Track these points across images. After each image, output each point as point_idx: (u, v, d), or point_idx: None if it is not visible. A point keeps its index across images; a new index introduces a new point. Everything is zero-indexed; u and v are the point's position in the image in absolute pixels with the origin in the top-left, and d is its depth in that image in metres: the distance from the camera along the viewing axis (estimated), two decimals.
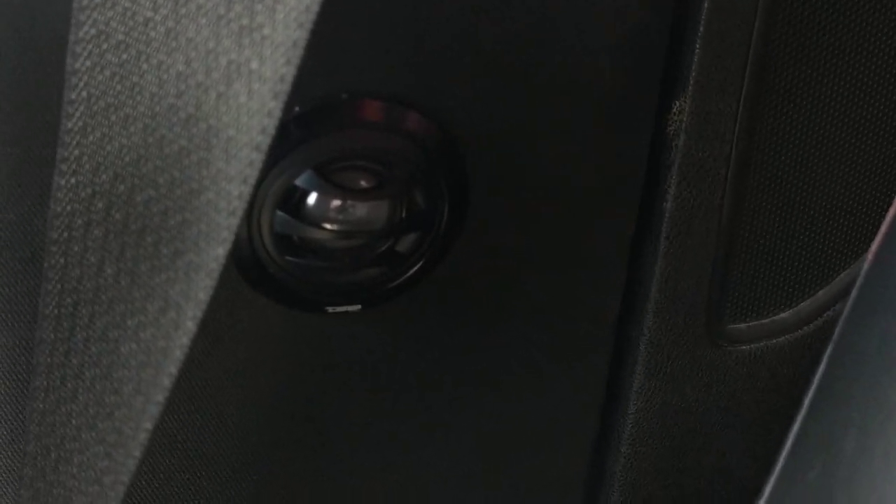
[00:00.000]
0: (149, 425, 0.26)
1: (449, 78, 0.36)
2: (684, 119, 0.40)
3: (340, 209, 0.36)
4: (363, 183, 0.36)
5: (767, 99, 0.40)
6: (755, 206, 0.43)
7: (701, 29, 0.38)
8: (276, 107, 0.23)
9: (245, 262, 0.37)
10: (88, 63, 0.26)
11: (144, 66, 0.25)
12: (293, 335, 0.39)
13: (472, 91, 0.36)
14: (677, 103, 0.40)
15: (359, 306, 0.39)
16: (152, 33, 0.25)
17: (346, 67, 0.34)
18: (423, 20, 0.35)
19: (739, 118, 0.40)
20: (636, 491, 0.48)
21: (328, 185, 0.35)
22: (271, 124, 0.23)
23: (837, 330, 0.27)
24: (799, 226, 0.44)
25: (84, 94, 0.26)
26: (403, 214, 0.37)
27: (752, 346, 0.46)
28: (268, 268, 0.37)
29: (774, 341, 0.46)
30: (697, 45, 0.38)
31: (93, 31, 0.25)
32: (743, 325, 0.46)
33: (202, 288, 0.25)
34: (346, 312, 0.39)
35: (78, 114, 0.26)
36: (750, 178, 0.42)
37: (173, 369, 0.25)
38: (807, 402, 0.26)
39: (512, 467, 0.46)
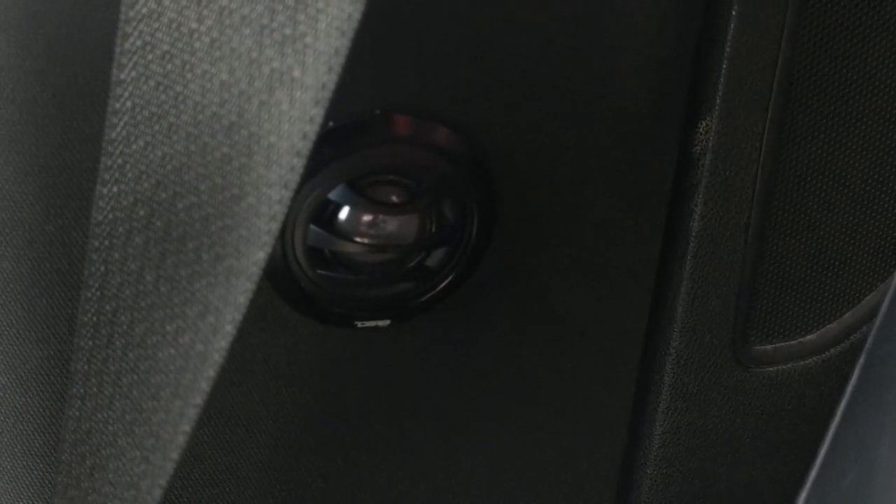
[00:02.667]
0: (187, 428, 0.27)
1: (479, 95, 0.36)
2: (711, 138, 0.40)
3: (372, 223, 0.36)
4: (394, 198, 0.37)
5: (794, 118, 0.41)
6: (782, 227, 0.43)
7: (727, 48, 0.38)
8: (317, 114, 0.24)
9: (278, 276, 0.37)
10: (134, 73, 0.26)
11: (189, 76, 0.26)
12: (323, 350, 0.40)
13: (502, 108, 0.37)
14: (703, 123, 0.40)
15: (388, 321, 0.39)
16: (197, 44, 0.25)
17: (379, 84, 0.35)
18: (454, 39, 0.35)
19: (766, 137, 0.40)
20: None
21: (361, 199, 0.36)
22: (312, 130, 0.24)
23: (870, 338, 0.27)
24: (825, 247, 0.44)
25: (129, 103, 0.27)
26: (433, 229, 0.38)
27: (778, 367, 0.46)
28: (300, 282, 0.37)
29: (801, 363, 0.46)
30: (724, 65, 0.38)
31: (139, 43, 0.26)
32: (769, 347, 0.45)
33: (242, 292, 0.25)
34: (376, 327, 0.39)
35: (122, 123, 0.27)
36: (776, 197, 0.42)
37: (212, 372, 0.26)
38: (840, 410, 0.26)
39: (539, 485, 0.46)
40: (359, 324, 0.39)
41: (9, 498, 0.40)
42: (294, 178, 0.24)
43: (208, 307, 0.26)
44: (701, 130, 0.40)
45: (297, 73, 0.24)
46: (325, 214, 0.36)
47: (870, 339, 0.28)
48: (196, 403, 0.26)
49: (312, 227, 0.36)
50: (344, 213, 0.36)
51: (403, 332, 0.40)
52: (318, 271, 0.37)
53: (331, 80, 0.24)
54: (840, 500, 0.24)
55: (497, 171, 0.38)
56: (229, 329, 0.25)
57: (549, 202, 0.40)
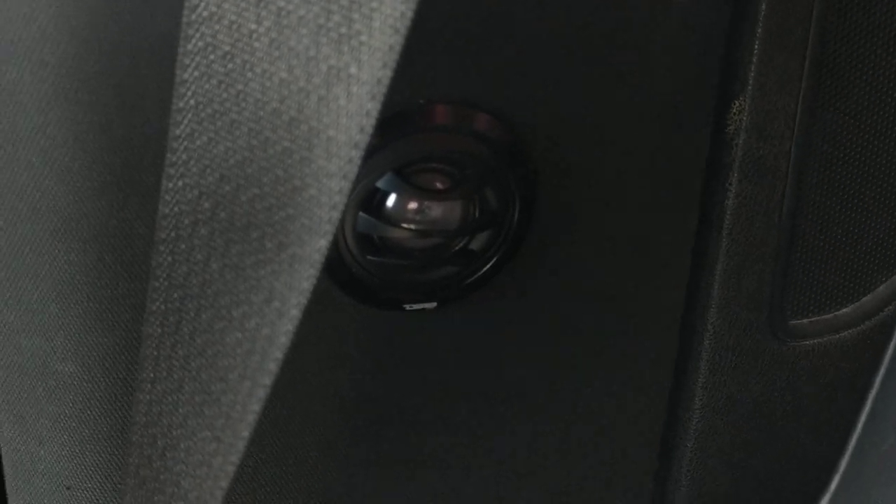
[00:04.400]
0: (256, 408, 0.28)
1: (515, 82, 0.37)
2: (744, 118, 0.41)
3: (418, 209, 0.38)
4: (439, 184, 0.38)
5: (826, 94, 0.41)
6: (815, 202, 0.44)
7: (759, 28, 0.39)
8: (373, 107, 0.25)
9: (330, 263, 0.39)
10: (196, 73, 0.28)
11: (249, 75, 0.27)
12: (373, 332, 0.41)
13: (539, 94, 0.38)
14: (737, 102, 0.41)
15: (435, 304, 0.41)
16: (256, 44, 0.27)
17: (422, 74, 0.36)
18: (491, 28, 0.36)
19: (799, 115, 0.41)
20: (703, 484, 0.49)
21: (407, 187, 0.37)
22: (369, 124, 0.25)
23: None
24: (859, 221, 0.44)
25: (192, 102, 0.28)
26: (476, 214, 0.39)
27: (814, 341, 0.46)
28: (351, 268, 0.39)
29: (837, 336, 0.46)
30: (756, 44, 0.39)
31: (201, 44, 0.27)
32: (805, 321, 0.46)
33: (305, 278, 0.26)
34: (423, 310, 0.41)
35: (186, 121, 0.28)
36: (810, 173, 0.43)
37: (279, 354, 0.27)
38: (879, 378, 0.27)
39: (580, 460, 0.47)
40: (407, 306, 0.40)
41: (79, 480, 0.41)
42: (353, 169, 0.26)
43: (273, 293, 0.27)
44: (734, 110, 0.41)
45: (353, 70, 0.25)
46: (373, 202, 0.38)
47: None
48: (265, 384, 0.28)
49: (361, 214, 0.38)
50: (391, 201, 0.38)
51: (450, 314, 0.41)
52: (368, 257, 0.39)
53: (385, 75, 0.25)
54: (880, 463, 0.25)
55: (536, 155, 0.39)
56: (295, 313, 0.27)
57: (587, 184, 0.41)
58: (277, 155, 0.27)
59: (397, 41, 0.24)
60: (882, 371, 0.28)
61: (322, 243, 0.26)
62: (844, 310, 0.46)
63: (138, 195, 0.36)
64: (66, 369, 0.39)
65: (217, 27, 0.27)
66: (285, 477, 0.43)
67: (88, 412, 0.40)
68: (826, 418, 0.48)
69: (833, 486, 0.27)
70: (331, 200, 0.26)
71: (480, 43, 0.36)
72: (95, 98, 0.34)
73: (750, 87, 0.40)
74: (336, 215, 0.26)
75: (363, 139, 0.25)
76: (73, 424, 0.40)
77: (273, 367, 0.27)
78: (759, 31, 0.39)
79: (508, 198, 0.39)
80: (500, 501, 0.46)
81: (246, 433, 0.28)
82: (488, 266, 0.40)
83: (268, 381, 0.27)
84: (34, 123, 0.35)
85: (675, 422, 0.48)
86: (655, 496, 0.49)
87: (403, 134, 0.37)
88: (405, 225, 0.38)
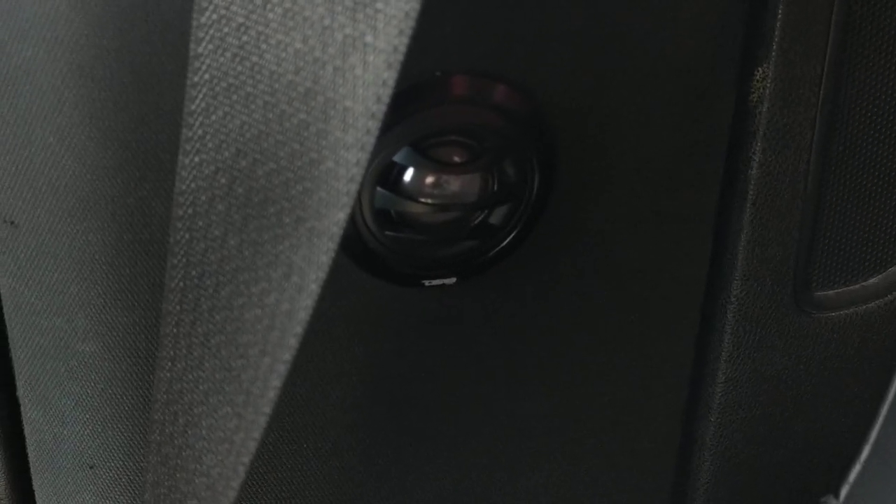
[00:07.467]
0: (277, 383, 0.28)
1: (537, 52, 0.37)
2: (768, 85, 0.40)
3: (436, 183, 0.37)
4: (457, 158, 0.38)
5: (852, 61, 0.40)
6: (841, 171, 0.43)
7: None
8: (390, 76, 0.25)
9: (347, 239, 0.38)
10: (210, 47, 0.27)
11: (264, 47, 0.26)
12: (392, 309, 0.41)
13: (559, 64, 0.37)
14: (760, 70, 0.40)
15: (454, 279, 0.40)
16: (270, 14, 0.26)
17: (439, 45, 0.36)
18: None
19: (824, 82, 0.40)
20: (728, 459, 0.48)
21: (425, 161, 0.37)
22: (386, 93, 0.25)
23: None
24: (885, 189, 0.44)
25: (206, 76, 0.28)
26: (495, 187, 0.39)
27: (840, 312, 0.46)
28: (368, 243, 0.38)
29: (863, 307, 0.46)
30: (780, 10, 0.38)
31: (214, 16, 0.27)
32: (831, 292, 0.46)
33: (324, 251, 0.26)
34: (442, 285, 0.40)
35: (201, 95, 0.28)
36: (835, 142, 0.42)
37: (299, 329, 0.27)
38: None
39: (604, 435, 0.47)
40: (426, 282, 0.40)
41: (102, 459, 0.42)
42: (370, 141, 0.25)
43: (292, 268, 0.27)
44: (758, 78, 0.40)
45: (369, 38, 0.25)
46: (390, 177, 0.37)
47: None
48: (285, 360, 0.27)
49: (379, 189, 0.37)
50: (409, 175, 0.37)
51: (469, 289, 0.41)
52: (386, 232, 0.38)
53: (402, 42, 0.24)
54: None
55: (556, 126, 0.39)
56: (314, 288, 0.27)
57: (608, 154, 0.40)
58: (293, 128, 0.26)
59: (413, 7, 0.24)
60: None
61: (340, 216, 0.26)
62: (871, 280, 0.46)
63: (155, 173, 0.36)
64: (88, 349, 0.39)
65: None
66: (303, 455, 0.43)
67: (110, 391, 0.40)
68: (852, 391, 0.47)
69: (864, 455, 0.27)
70: (348, 173, 0.26)
71: (499, 12, 0.36)
72: (110, 75, 0.34)
73: (773, 55, 0.39)
74: (354, 188, 0.26)
75: (380, 109, 0.25)
76: (96, 404, 0.40)
77: (293, 342, 0.27)
78: None
79: (528, 170, 0.39)
80: (519, 475, 0.46)
81: (267, 409, 0.28)
82: (508, 240, 0.40)
83: (288, 356, 0.27)
84: (50, 102, 0.35)
85: (698, 395, 0.47)
86: (678, 470, 0.49)
87: (420, 107, 0.36)
88: (423, 199, 0.37)
